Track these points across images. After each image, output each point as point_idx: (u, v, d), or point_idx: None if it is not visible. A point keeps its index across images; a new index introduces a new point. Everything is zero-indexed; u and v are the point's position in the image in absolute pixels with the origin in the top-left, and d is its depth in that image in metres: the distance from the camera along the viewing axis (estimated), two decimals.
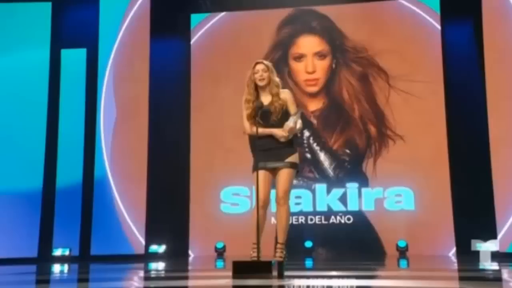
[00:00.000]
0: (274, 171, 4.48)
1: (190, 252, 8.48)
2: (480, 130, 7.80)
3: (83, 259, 8.09)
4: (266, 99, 4.50)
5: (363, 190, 8.36)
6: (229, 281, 3.98)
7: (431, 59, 8.45)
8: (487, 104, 7.75)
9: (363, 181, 8.38)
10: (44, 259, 8.04)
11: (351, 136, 8.54)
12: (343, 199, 8.39)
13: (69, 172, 8.44)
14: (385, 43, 8.55)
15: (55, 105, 8.62)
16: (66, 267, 6.84)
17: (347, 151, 8.52)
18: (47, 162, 8.45)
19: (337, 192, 8.44)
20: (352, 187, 8.40)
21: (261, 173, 4.37)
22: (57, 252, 8.12)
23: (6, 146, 8.41)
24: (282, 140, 4.43)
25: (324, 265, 6.31)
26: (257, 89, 4.54)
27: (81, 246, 8.25)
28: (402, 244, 7.90)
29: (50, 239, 8.24)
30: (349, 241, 8.18)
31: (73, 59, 8.76)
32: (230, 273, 4.14)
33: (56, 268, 6.68)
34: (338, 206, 8.41)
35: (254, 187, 4.37)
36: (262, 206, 4.37)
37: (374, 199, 8.33)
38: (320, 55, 8.76)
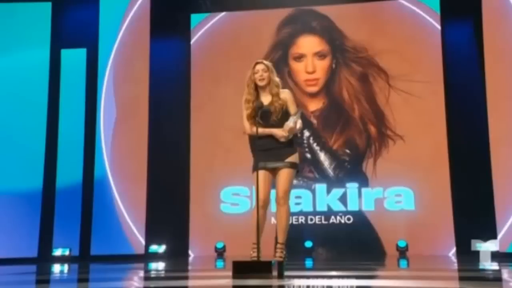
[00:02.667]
0: (274, 171, 4.48)
1: (190, 252, 8.48)
2: (480, 130, 7.79)
3: (83, 259, 8.09)
4: (266, 99, 4.50)
5: (363, 190, 8.36)
6: (229, 281, 3.98)
7: (431, 59, 8.44)
8: (487, 104, 7.73)
9: (363, 181, 8.38)
10: (44, 259, 8.04)
11: (351, 136, 8.53)
12: (343, 199, 8.39)
13: (69, 172, 8.44)
14: (385, 43, 8.55)
15: (55, 105, 8.62)
16: (66, 267, 6.83)
17: (347, 151, 8.52)
18: (47, 162, 8.45)
19: (337, 192, 8.44)
20: (352, 187, 8.40)
21: (261, 173, 4.37)
22: (57, 252, 8.12)
23: (6, 146, 8.41)
24: (282, 140, 4.43)
25: (324, 265, 6.30)
26: (257, 89, 4.54)
27: (81, 246, 8.25)
28: (402, 244, 7.89)
29: (50, 239, 8.23)
30: (349, 241, 8.18)
31: (73, 59, 8.76)
32: (230, 273, 4.14)
33: (56, 268, 6.67)
34: (338, 206, 8.40)
35: (254, 187, 4.37)
36: (262, 206, 4.37)
37: (374, 199, 8.32)
38: (320, 55, 8.76)
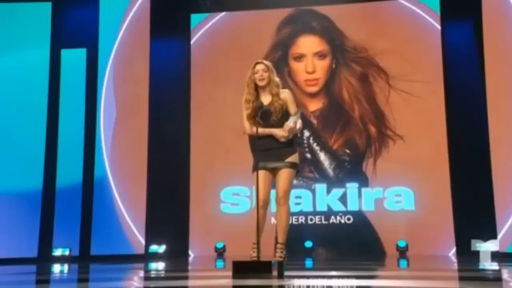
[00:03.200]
0: (274, 171, 4.48)
1: (190, 252, 8.48)
2: (480, 130, 7.79)
3: (83, 259, 8.09)
4: (266, 99, 4.50)
5: (363, 190, 8.36)
6: (229, 281, 3.98)
7: (431, 59, 8.43)
8: (487, 104, 7.73)
9: (363, 181, 8.38)
10: (44, 259, 8.04)
11: (351, 136, 8.53)
12: (343, 199, 8.39)
13: (69, 172, 8.44)
14: (385, 43, 8.55)
15: (55, 105, 8.62)
16: (66, 267, 6.84)
17: (347, 151, 8.52)
18: (47, 162, 8.45)
19: (337, 192, 8.44)
20: (352, 187, 8.40)
21: (261, 173, 4.37)
22: (57, 252, 8.12)
23: (6, 146, 8.41)
24: (282, 140, 4.43)
25: (324, 265, 6.30)
26: (257, 89, 4.54)
27: (81, 246, 8.25)
28: (402, 244, 7.89)
29: (50, 239, 8.24)
30: (349, 241, 8.18)
31: (73, 59, 8.76)
32: (230, 273, 4.14)
33: (56, 268, 6.68)
34: (338, 206, 8.40)
35: (254, 187, 4.37)
36: (262, 206, 4.37)
37: (374, 199, 8.32)
38: (320, 55, 8.75)
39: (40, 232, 8.26)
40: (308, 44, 8.82)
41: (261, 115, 4.40)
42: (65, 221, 8.31)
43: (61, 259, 8.02)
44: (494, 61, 7.82)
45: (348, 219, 8.34)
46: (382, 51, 8.56)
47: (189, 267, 6.55)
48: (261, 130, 4.38)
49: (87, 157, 8.47)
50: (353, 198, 8.36)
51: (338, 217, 8.37)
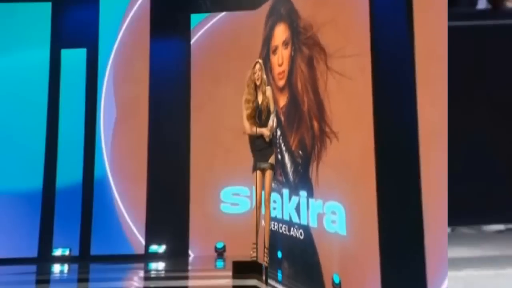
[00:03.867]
0: (263, 172, 4.48)
1: (190, 252, 8.47)
2: (408, 122, 4.46)
3: (83, 259, 8.09)
4: (260, 97, 4.52)
5: (310, 200, 6.17)
6: (229, 281, 3.98)
7: (360, 25, 5.30)
8: (415, 79, 4.35)
9: (310, 190, 6.20)
10: (44, 259, 8.03)
11: (302, 134, 6.43)
12: (298, 209, 6.46)
13: (69, 172, 8.44)
14: (325, 14, 6.05)
15: (55, 105, 8.62)
16: (66, 267, 6.83)
17: (300, 152, 6.46)
18: (47, 162, 8.45)
19: (294, 200, 6.59)
20: (303, 196, 6.34)
21: (259, 173, 4.38)
22: (57, 252, 8.12)
23: (6, 146, 8.41)
24: (267, 139, 4.44)
25: (287, 283, 5.54)
26: (256, 88, 4.55)
27: (81, 246, 8.24)
28: (336, 279, 5.36)
29: (50, 239, 8.23)
30: (301, 260, 6.33)
31: (73, 59, 8.76)
32: (230, 273, 4.14)
33: (56, 268, 6.67)
34: (294, 217, 6.57)
35: (254, 187, 4.37)
36: (261, 206, 4.37)
37: (316, 214, 6.01)
38: (285, 44, 7.25)
39: (40, 232, 8.25)
40: (279, 34, 7.57)
41: (258, 114, 4.41)
42: (65, 221, 8.31)
43: (61, 259, 8.01)
44: (425, 22, 4.34)
45: (301, 233, 6.36)
46: (323, 24, 6.09)
47: (189, 267, 6.54)
48: (255, 130, 4.37)
49: (87, 157, 8.47)
50: (304, 210, 6.30)
51: (295, 230, 6.52)
